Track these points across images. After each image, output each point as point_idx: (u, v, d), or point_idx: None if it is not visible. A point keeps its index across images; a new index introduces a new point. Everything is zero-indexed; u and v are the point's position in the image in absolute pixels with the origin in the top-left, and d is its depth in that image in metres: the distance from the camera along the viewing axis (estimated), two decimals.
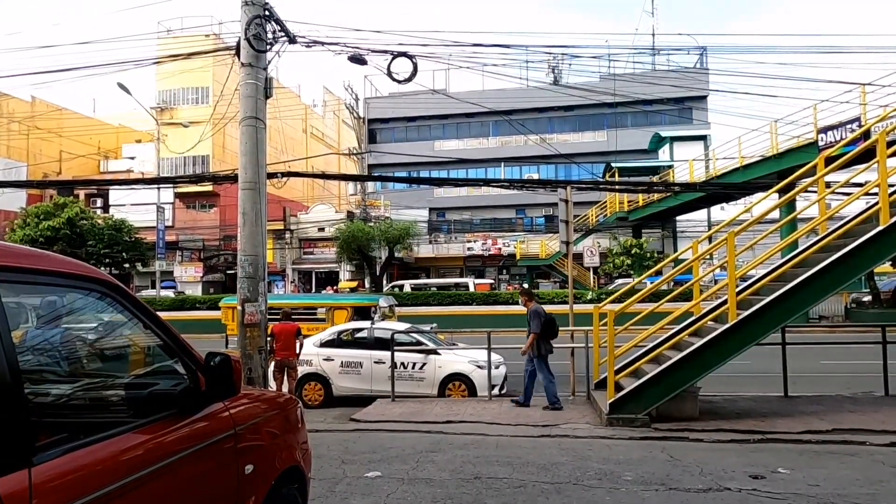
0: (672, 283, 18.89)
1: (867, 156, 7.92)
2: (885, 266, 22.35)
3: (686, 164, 27.40)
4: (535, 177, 37.06)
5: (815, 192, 9.27)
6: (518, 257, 36.86)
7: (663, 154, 36.59)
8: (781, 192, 10.07)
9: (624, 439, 6.85)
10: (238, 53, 7.95)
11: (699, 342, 7.34)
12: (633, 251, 27.92)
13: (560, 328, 8.85)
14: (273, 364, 9.47)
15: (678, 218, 33.40)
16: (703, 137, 36.21)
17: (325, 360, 10.20)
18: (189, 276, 36.24)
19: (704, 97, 37.95)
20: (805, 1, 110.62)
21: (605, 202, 32.63)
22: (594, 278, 30.32)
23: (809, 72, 40.33)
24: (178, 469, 2.40)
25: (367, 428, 7.81)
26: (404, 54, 9.18)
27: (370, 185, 39.93)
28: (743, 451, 6.33)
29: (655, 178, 30.06)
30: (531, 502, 4.86)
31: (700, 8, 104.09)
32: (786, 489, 5.04)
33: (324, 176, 17.20)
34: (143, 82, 60.21)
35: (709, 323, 8.03)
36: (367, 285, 31.68)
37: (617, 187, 24.93)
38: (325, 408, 9.80)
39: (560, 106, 39.35)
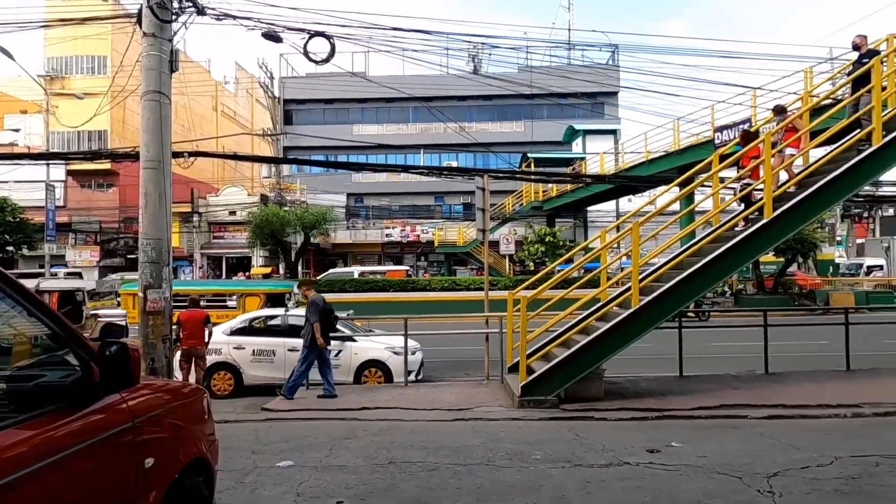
0: (582, 270, 19.75)
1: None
2: (769, 255, 24.48)
3: (598, 157, 28.63)
4: (454, 164, 37.37)
5: (710, 186, 9.98)
6: (436, 244, 37.12)
7: (577, 146, 38.00)
8: (681, 185, 10.77)
9: (534, 420, 7.12)
10: (140, 22, 7.40)
11: (605, 326, 7.74)
12: (546, 239, 28.86)
13: (477, 314, 9.05)
14: (179, 353, 9.02)
15: (589, 208, 34.87)
16: (613, 131, 37.92)
17: (235, 348, 9.84)
18: (84, 260, 33.60)
19: (615, 93, 39.65)
20: (711, 9, 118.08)
21: (522, 191, 33.49)
22: (510, 265, 31.13)
23: (709, 74, 43.42)
24: (68, 465, 2.24)
25: (279, 417, 7.64)
26: (322, 34, 8.94)
27: (285, 169, 38.70)
28: (642, 428, 6.77)
29: (569, 170, 31.18)
30: (444, 484, 4.96)
31: (614, 7, 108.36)
32: (678, 461, 5.44)
33: (235, 157, 16.48)
34: (29, 46, 54.71)
35: (614, 308, 8.46)
36: (281, 271, 30.79)
37: (533, 177, 25.61)
38: (236, 398, 9.47)
39: (480, 95, 39.79)
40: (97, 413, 2.49)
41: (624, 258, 21.10)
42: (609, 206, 34.18)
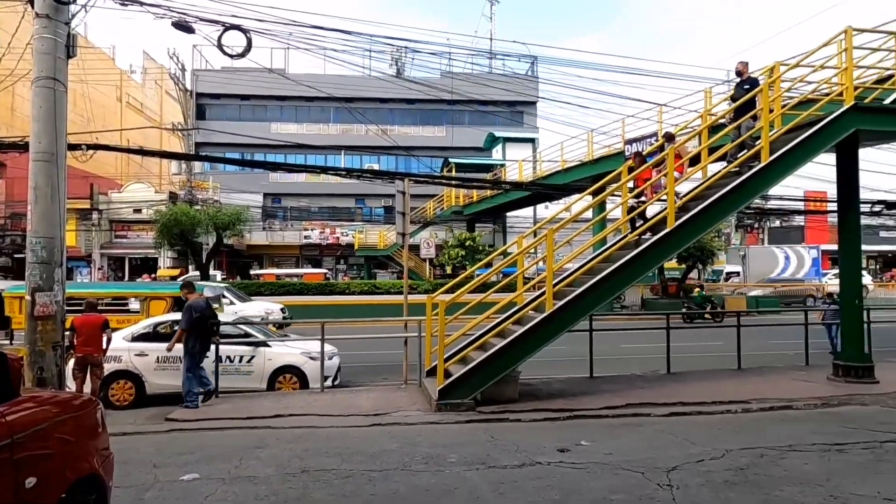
0: (501, 275, 20.18)
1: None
2: (672, 262, 26.04)
3: (517, 164, 29.39)
4: (376, 167, 37.05)
5: (619, 195, 10.49)
6: (356, 247, 36.70)
7: (497, 153, 38.85)
8: (594, 194, 11.24)
9: (451, 423, 7.17)
10: (32, 1, 6.81)
11: (520, 330, 7.94)
12: (466, 244, 29.26)
13: (396, 318, 9.03)
14: (73, 361, 8.34)
15: (508, 214, 35.72)
16: (532, 140, 39.10)
17: (137, 355, 9.23)
18: None
19: (534, 102, 40.87)
20: (625, 28, 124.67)
21: (443, 196, 33.78)
22: (430, 269, 31.28)
23: (620, 89, 45.71)
24: None
25: (185, 428, 7.24)
26: (238, 27, 8.60)
27: (197, 166, 36.90)
28: (554, 428, 6.99)
29: (489, 176, 31.80)
30: (358, 491, 4.89)
31: (533, 20, 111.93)
32: (586, 459, 5.67)
33: (142, 152, 15.45)
34: None
35: (530, 312, 8.70)
36: (191, 273, 29.28)
37: (453, 183, 25.90)
38: (137, 408, 8.88)
39: (402, 98, 39.77)
40: None
41: (541, 262, 21.78)
42: (527, 211, 35.17)
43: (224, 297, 18.10)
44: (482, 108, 37.58)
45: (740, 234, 42.08)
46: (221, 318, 10.21)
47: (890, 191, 21.92)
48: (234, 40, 8.94)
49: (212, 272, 27.86)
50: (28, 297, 6.70)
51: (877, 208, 22.16)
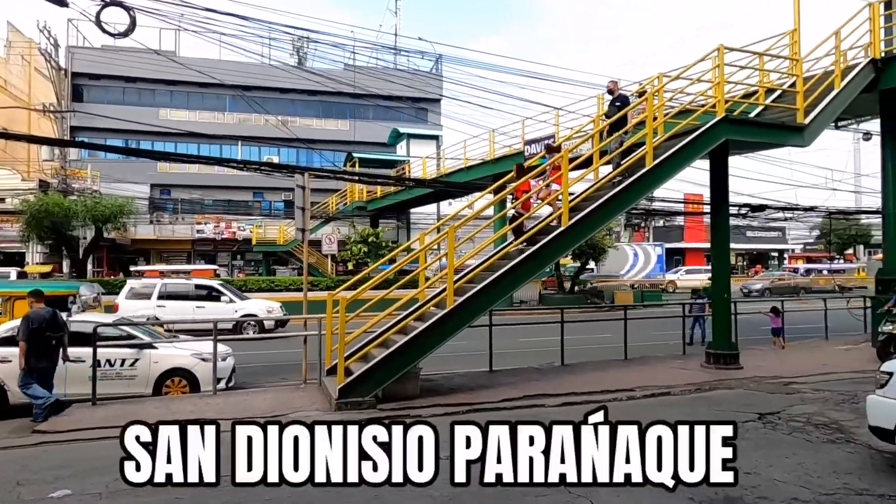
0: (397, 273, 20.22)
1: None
2: (567, 258, 27.34)
3: (421, 161, 29.52)
4: (275, 160, 35.71)
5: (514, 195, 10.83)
6: (254, 242, 35.26)
7: (401, 149, 38.79)
8: (495, 192, 11.52)
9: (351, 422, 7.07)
10: None
11: (422, 326, 7.99)
12: (370, 240, 29.00)
13: (295, 316, 8.77)
14: None
15: (413, 210, 35.80)
16: (436, 137, 39.40)
17: (0, 361, 8.30)
18: None
19: (438, 100, 41.25)
20: (524, 33, 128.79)
21: (346, 191, 33.24)
22: (332, 265, 30.70)
23: (520, 92, 47.33)
24: None
25: (56, 440, 6.60)
26: (119, 3, 7.95)
27: (73, 152, 33.75)
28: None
29: (393, 172, 31.69)
30: (253, 497, 4.69)
31: (438, 17, 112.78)
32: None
33: (6, 136, 13.91)
34: None
35: (431, 308, 8.77)
36: (65, 270, 26.78)
37: (356, 178, 25.58)
38: (1, 420, 7.98)
39: (304, 90, 38.67)
40: None
41: (444, 259, 22.07)
42: (431, 208, 35.50)
43: (218, 292, 17.02)
44: (386, 104, 37.35)
45: (629, 233, 45.02)
46: (98, 318, 9.45)
47: (753, 195, 24.35)
48: (117, 17, 8.27)
49: (90, 270, 25.66)
50: None
51: (743, 211, 24.56)
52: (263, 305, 17.46)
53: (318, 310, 9.88)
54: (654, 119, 9.33)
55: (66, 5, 8.48)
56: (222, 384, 9.13)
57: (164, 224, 36.68)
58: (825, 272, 36.12)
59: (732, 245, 12.56)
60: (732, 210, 20.15)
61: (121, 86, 39.16)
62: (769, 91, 10.91)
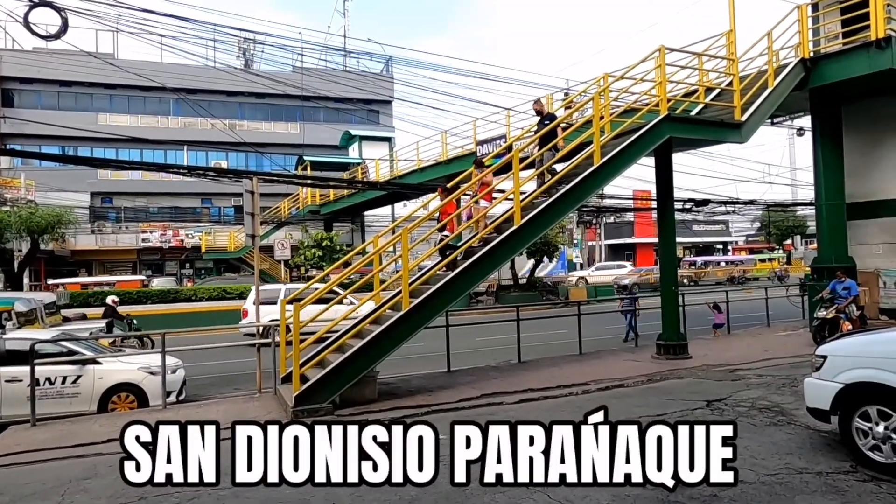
0: (359, 275, 20.03)
1: (508, 167, 9.63)
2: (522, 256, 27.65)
3: (373, 163, 29.32)
4: (224, 165, 34.89)
5: (470, 195, 10.88)
6: (204, 250, 34.28)
7: (353, 151, 38.43)
8: (448, 192, 11.52)
9: None
10: None
11: (378, 329, 7.92)
12: (324, 244, 28.59)
13: (248, 324, 8.55)
14: None
15: (367, 212, 35.51)
16: (388, 139, 39.20)
17: None
18: None
19: (390, 102, 41.06)
20: (470, 34, 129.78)
21: (298, 195, 32.69)
22: (285, 271, 30.13)
23: (471, 93, 47.70)
24: None
25: None
26: (49, 4, 7.57)
27: (5, 161, 32.03)
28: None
29: (345, 175, 31.37)
30: None
31: (386, 19, 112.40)
32: (441, 453, 5.79)
33: None
34: None
35: (387, 311, 8.72)
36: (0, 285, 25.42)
37: (308, 182, 25.20)
38: None
39: (251, 92, 37.86)
40: None
41: (399, 261, 21.97)
42: (385, 210, 35.28)
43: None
44: (337, 106, 36.95)
45: (581, 230, 45.90)
46: (36, 334, 9.01)
47: (697, 190, 25.25)
48: (47, 19, 7.88)
49: (26, 283, 24.39)
50: None
51: (688, 205, 25.44)
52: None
53: None
54: (601, 118, 9.54)
55: None
56: (172, 398, 8.84)
57: (106, 234, 35.24)
58: (722, 264, 42.09)
59: (679, 238, 12.99)
60: (678, 205, 20.87)
61: (55, 90, 37.43)
62: (709, 90, 11.32)
